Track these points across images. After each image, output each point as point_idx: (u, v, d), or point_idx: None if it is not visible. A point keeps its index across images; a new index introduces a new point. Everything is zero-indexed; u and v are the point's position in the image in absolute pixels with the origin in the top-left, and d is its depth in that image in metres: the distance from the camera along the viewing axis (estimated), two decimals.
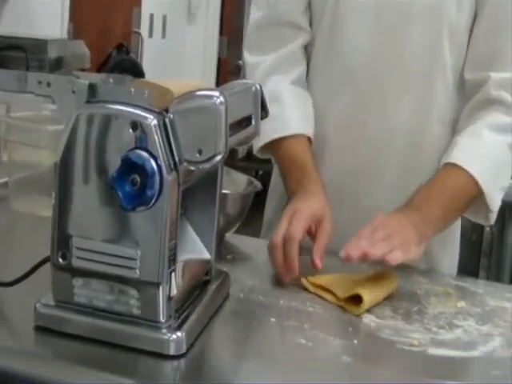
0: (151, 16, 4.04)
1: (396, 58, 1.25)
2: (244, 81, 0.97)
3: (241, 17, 5.01)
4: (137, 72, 3.14)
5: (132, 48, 3.53)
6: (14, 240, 1.24)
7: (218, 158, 0.77)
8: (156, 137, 0.77)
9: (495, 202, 1.21)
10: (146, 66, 3.60)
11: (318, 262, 1.09)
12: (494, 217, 1.24)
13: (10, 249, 1.18)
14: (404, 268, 1.21)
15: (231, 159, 4.69)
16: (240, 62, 5.70)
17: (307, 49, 1.31)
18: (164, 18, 4.21)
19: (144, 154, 0.76)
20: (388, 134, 1.27)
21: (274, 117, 1.23)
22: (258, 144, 1.28)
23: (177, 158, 0.78)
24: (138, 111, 0.78)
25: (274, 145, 1.26)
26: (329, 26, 1.26)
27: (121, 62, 3.16)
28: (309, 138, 1.27)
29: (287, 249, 1.07)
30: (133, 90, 0.78)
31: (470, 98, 1.26)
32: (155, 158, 0.76)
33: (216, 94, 0.77)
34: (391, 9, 1.22)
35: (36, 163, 1.32)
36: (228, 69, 5.13)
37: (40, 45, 2.29)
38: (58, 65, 2.30)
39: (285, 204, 1.20)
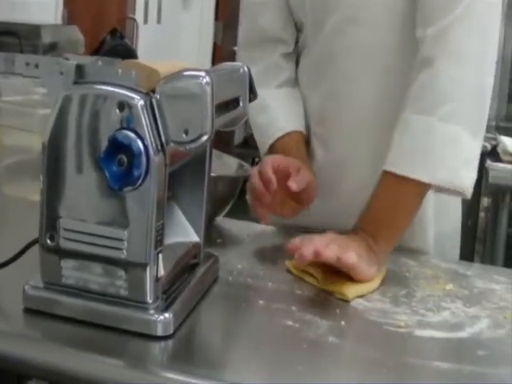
0: (146, 1, 4.02)
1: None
2: (231, 63, 0.97)
3: (236, 1, 4.99)
4: (131, 57, 3.12)
5: (127, 34, 3.52)
6: (4, 224, 1.24)
7: (204, 138, 0.77)
8: (143, 117, 0.77)
9: (462, 183, 1.10)
10: (142, 51, 3.59)
11: (292, 184, 1.13)
12: (469, 193, 1.13)
13: (1, 233, 1.18)
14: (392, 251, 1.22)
15: (228, 146, 4.69)
16: (235, 48, 5.68)
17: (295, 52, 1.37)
18: (159, 3, 4.19)
19: (131, 134, 0.76)
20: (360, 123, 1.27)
21: (264, 125, 1.31)
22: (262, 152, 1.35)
23: (163, 139, 0.78)
24: (125, 91, 0.78)
25: (272, 150, 1.31)
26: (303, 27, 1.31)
27: (115, 47, 3.15)
28: (301, 132, 1.31)
29: (261, 176, 1.15)
30: (120, 70, 0.79)
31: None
32: (142, 139, 0.76)
33: (202, 74, 0.77)
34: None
35: (27, 147, 1.32)
36: (223, 54, 5.11)
37: (34, 30, 2.28)
38: (51, 50, 2.30)
39: None
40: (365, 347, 0.88)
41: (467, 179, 1.11)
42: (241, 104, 0.90)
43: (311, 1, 1.27)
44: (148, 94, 0.78)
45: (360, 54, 1.23)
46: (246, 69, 0.91)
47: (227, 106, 0.87)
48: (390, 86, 1.23)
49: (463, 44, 1.09)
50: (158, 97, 0.78)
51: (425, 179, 1.08)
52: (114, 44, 3.17)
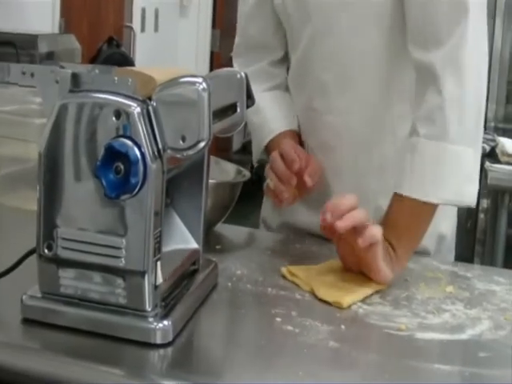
0: (143, 10, 4.03)
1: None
2: (229, 69, 0.97)
3: (233, 9, 5.00)
4: (128, 65, 3.13)
5: (124, 42, 3.52)
6: (1, 234, 1.23)
7: (202, 144, 0.77)
8: (139, 125, 0.77)
9: (469, 198, 1.13)
10: (139, 60, 3.59)
11: (308, 180, 1.19)
12: (474, 201, 1.16)
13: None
14: None
15: (226, 152, 4.69)
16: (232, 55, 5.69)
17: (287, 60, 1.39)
18: (156, 11, 4.20)
19: (127, 141, 0.76)
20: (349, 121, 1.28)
21: (258, 126, 1.34)
22: (255, 158, 1.39)
23: (160, 146, 0.78)
24: (122, 99, 0.78)
25: (267, 151, 1.33)
26: (287, 34, 1.33)
27: (112, 55, 3.16)
28: (295, 130, 1.33)
29: (285, 157, 1.21)
30: (116, 78, 0.78)
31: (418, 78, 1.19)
32: (139, 146, 0.76)
33: (199, 80, 0.77)
34: None
35: (24, 157, 1.32)
36: (221, 61, 5.12)
37: (30, 40, 2.29)
38: (48, 60, 2.30)
39: None
40: (365, 351, 0.88)
41: (472, 193, 1.15)
42: (238, 110, 0.90)
43: (290, 9, 1.28)
44: (144, 101, 0.78)
45: (335, 66, 1.24)
46: (243, 74, 0.91)
47: (225, 111, 0.87)
48: (368, 99, 1.24)
49: (467, 64, 1.12)
50: (155, 104, 0.78)
51: (434, 201, 1.12)
52: (111, 52, 3.17)
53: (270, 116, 1.34)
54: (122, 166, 0.76)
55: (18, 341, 0.85)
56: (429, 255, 1.30)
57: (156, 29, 4.20)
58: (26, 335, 0.85)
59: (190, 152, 0.78)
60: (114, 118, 0.77)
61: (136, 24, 3.89)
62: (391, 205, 1.14)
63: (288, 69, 1.39)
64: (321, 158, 1.28)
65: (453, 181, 1.13)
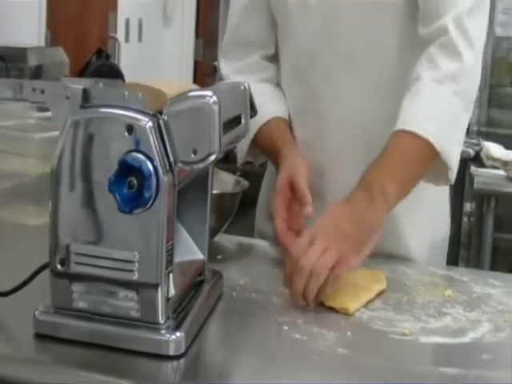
0: (127, 20, 4.03)
1: (339, 45, 1.26)
2: (231, 81, 0.98)
3: (216, 18, 5.02)
4: (117, 77, 3.14)
5: (109, 53, 3.52)
6: (3, 250, 1.23)
7: (213, 157, 0.79)
8: (151, 139, 0.78)
9: (453, 158, 1.16)
10: (124, 70, 3.59)
11: (306, 209, 1.15)
12: (453, 175, 1.19)
13: (1, 259, 1.18)
14: (389, 259, 1.24)
15: None
16: (216, 63, 5.71)
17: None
18: (140, 21, 4.20)
19: (140, 156, 0.77)
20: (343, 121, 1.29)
21: None
22: (241, 158, 1.37)
23: (172, 159, 0.79)
24: (133, 114, 0.79)
25: (256, 141, 1.32)
26: (281, 28, 1.34)
27: (100, 67, 3.16)
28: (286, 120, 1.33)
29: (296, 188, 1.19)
30: (126, 93, 0.80)
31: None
32: (151, 160, 0.78)
33: (209, 93, 0.78)
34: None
35: (23, 172, 1.32)
36: (204, 71, 5.14)
37: (19, 53, 2.28)
38: (37, 73, 2.30)
39: None
40: (373, 357, 0.90)
41: (456, 157, 1.17)
42: (243, 121, 0.92)
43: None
44: (155, 115, 0.80)
45: (343, 56, 1.26)
46: (246, 86, 0.93)
47: (230, 124, 0.88)
48: (376, 89, 1.26)
49: (476, 31, 1.19)
50: (166, 118, 0.79)
51: (423, 134, 1.13)
52: (100, 64, 3.17)
53: (261, 103, 1.33)
54: (135, 181, 0.77)
55: (30, 355, 0.85)
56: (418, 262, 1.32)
57: (140, 39, 4.21)
58: (39, 350, 0.86)
59: (201, 165, 0.79)
60: (126, 133, 0.78)
61: (120, 35, 3.90)
62: (385, 145, 1.14)
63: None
64: (315, 152, 1.29)
65: (450, 133, 1.16)
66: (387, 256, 1.24)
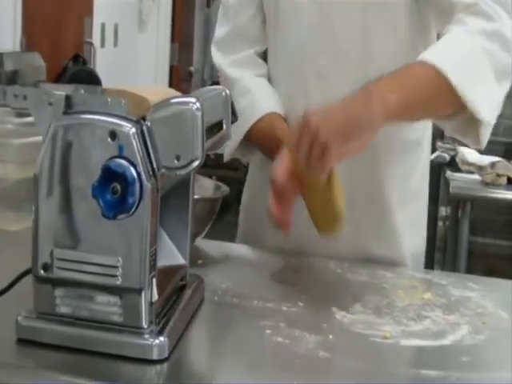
0: (103, 25, 4.02)
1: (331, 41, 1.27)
2: (212, 87, 0.99)
3: (192, 23, 5.03)
4: (94, 82, 3.13)
5: (85, 58, 3.50)
6: None
7: (196, 163, 0.79)
8: (135, 145, 0.78)
9: (479, 106, 1.10)
10: (100, 75, 3.58)
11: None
12: (485, 135, 1.14)
13: None
14: (369, 264, 1.26)
15: None
16: (191, 69, 5.71)
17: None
18: (116, 26, 4.19)
19: (124, 162, 0.77)
20: None
21: (246, 107, 1.29)
22: (230, 151, 1.34)
23: (155, 165, 0.80)
24: (116, 120, 0.79)
25: (250, 135, 1.31)
26: (272, 24, 1.34)
27: (77, 72, 3.14)
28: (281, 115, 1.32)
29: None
30: (109, 99, 0.80)
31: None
32: (134, 166, 0.78)
33: (192, 100, 0.79)
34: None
35: (2, 177, 1.31)
36: (180, 75, 5.14)
37: None
38: (14, 77, 2.28)
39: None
40: (355, 360, 0.90)
41: (487, 112, 1.11)
42: (224, 127, 0.92)
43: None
44: (138, 121, 0.80)
45: (335, 54, 1.26)
46: (227, 92, 0.94)
47: (212, 129, 0.89)
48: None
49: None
50: (149, 124, 0.80)
51: (440, 66, 1.08)
52: (77, 69, 3.16)
53: (259, 97, 1.33)
54: (118, 187, 0.78)
55: (13, 360, 0.84)
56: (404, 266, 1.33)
57: (116, 44, 4.20)
58: (22, 355, 0.85)
59: (184, 171, 0.80)
60: (109, 139, 0.79)
61: (96, 39, 3.89)
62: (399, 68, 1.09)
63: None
64: None
65: (478, 81, 1.10)
66: (379, 260, 1.26)
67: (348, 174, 1.15)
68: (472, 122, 1.14)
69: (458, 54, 1.12)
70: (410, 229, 1.35)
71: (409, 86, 1.08)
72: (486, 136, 1.15)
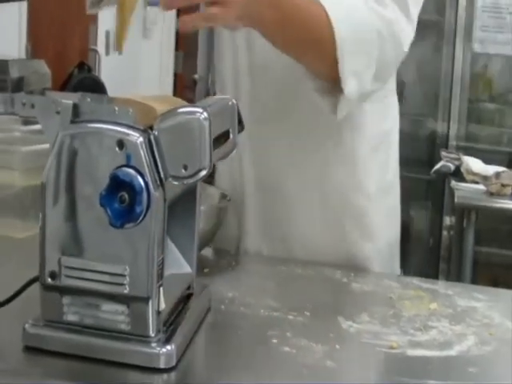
0: (107, 33, 4.03)
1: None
2: (219, 96, 0.99)
3: (196, 31, 5.03)
4: (99, 90, 3.13)
5: (90, 65, 3.51)
6: None
7: (203, 173, 0.79)
8: (142, 154, 0.78)
9: (348, 78, 1.09)
10: (105, 82, 3.58)
11: None
12: (342, 107, 1.13)
13: None
14: (375, 274, 1.26)
15: None
16: (196, 76, 5.72)
17: None
18: None
19: (131, 171, 0.78)
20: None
21: None
22: None
23: (162, 174, 0.80)
24: (124, 129, 0.79)
25: None
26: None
27: (83, 80, 3.15)
28: None
29: None
30: (117, 108, 0.80)
31: None
32: (142, 175, 0.78)
33: (199, 110, 0.79)
34: None
35: (8, 185, 1.32)
36: (184, 83, 5.14)
37: (1, 65, 2.27)
38: (19, 84, 2.29)
39: None
40: (362, 370, 0.91)
41: (353, 87, 1.10)
42: (231, 136, 0.92)
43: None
44: (146, 130, 0.80)
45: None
46: (234, 101, 0.94)
47: (219, 139, 0.89)
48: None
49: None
50: (156, 133, 0.80)
51: (335, 25, 1.07)
52: (82, 77, 3.16)
53: None
54: (126, 196, 0.78)
55: (20, 368, 0.85)
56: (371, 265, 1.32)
57: (120, 51, 4.20)
58: (29, 362, 0.85)
59: (191, 180, 0.80)
60: (117, 148, 0.79)
61: (100, 47, 3.89)
62: None
63: None
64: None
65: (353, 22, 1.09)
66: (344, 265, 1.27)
67: (327, 178, 1.17)
68: (334, 90, 1.12)
69: (354, 20, 1.11)
70: (386, 220, 1.35)
71: (300, 9, 1.08)
72: (342, 109, 1.13)
